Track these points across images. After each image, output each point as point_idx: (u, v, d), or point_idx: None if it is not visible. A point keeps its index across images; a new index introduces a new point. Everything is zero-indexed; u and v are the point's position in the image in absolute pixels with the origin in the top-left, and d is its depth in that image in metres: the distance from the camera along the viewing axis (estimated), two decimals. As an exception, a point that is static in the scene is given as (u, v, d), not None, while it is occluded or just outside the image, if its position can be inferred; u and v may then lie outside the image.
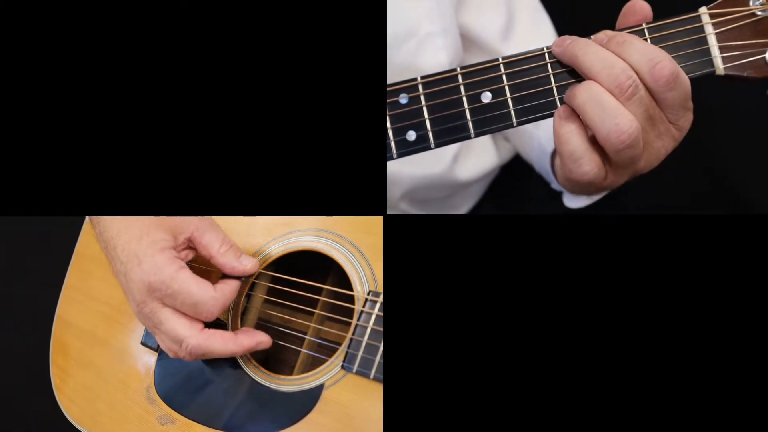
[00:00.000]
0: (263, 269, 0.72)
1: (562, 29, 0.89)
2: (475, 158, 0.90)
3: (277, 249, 0.71)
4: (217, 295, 0.62)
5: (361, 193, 0.65)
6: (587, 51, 0.57)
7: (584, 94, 0.56)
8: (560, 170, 0.61)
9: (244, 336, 0.64)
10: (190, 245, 0.66)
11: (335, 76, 0.65)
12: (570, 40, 0.58)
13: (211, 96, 0.65)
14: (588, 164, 0.57)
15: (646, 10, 0.59)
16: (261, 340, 0.65)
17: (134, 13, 0.65)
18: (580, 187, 0.60)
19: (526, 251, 0.66)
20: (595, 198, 0.78)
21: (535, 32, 0.89)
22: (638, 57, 0.56)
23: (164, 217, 0.65)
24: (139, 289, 0.63)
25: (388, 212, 0.90)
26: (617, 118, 0.54)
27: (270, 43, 0.65)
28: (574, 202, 0.81)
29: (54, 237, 1.00)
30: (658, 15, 0.59)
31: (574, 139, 0.57)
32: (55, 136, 0.64)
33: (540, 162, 0.86)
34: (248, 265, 0.65)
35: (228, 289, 0.64)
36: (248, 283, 0.72)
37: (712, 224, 0.65)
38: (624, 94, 0.55)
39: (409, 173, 0.85)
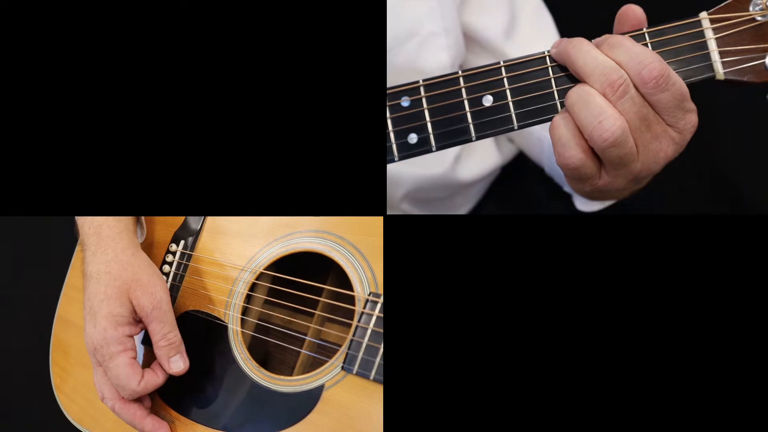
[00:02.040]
0: (264, 270, 0.72)
1: (564, 29, 0.89)
2: (477, 159, 0.90)
3: (277, 250, 0.71)
4: (137, 389, 0.66)
5: (361, 193, 0.65)
6: (580, 51, 0.58)
7: (574, 95, 0.57)
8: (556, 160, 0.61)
9: (154, 421, 0.69)
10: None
11: (336, 75, 0.65)
12: (566, 41, 0.59)
13: (212, 96, 0.65)
14: (573, 149, 0.57)
15: (640, 15, 0.60)
16: None
17: (135, 13, 0.65)
18: (575, 180, 0.60)
19: (527, 251, 0.66)
20: (607, 203, 0.79)
21: (538, 31, 0.89)
22: (627, 59, 0.56)
23: (134, 280, 0.69)
24: (88, 342, 0.68)
25: (390, 212, 0.90)
26: (600, 116, 0.55)
27: (270, 43, 0.65)
28: (585, 206, 0.82)
29: (54, 237, 1.00)
30: (658, 20, 0.60)
31: (563, 125, 0.58)
32: (55, 137, 0.64)
33: (551, 164, 0.87)
34: (173, 368, 0.68)
35: (153, 382, 0.68)
36: (245, 290, 0.72)
37: (712, 224, 0.65)
38: (615, 93, 0.56)
39: (410, 173, 0.85)
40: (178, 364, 0.68)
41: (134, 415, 0.69)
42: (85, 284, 0.71)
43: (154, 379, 0.68)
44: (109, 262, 0.70)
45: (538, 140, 0.89)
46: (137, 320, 0.69)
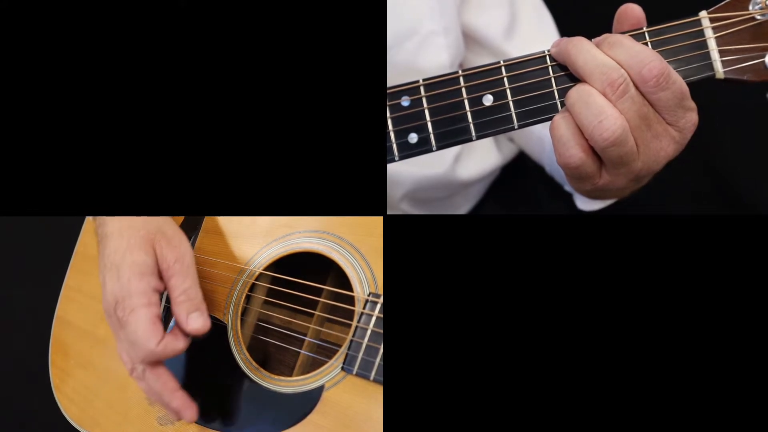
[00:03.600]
0: (264, 270, 0.72)
1: (564, 29, 0.89)
2: (477, 158, 0.90)
3: (277, 250, 0.71)
4: (156, 350, 0.61)
5: (361, 193, 0.65)
6: (581, 50, 0.58)
7: (574, 95, 0.57)
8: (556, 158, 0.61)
9: (184, 398, 0.64)
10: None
11: (336, 75, 0.65)
12: (566, 40, 0.59)
13: (212, 96, 0.65)
14: (574, 148, 0.57)
15: (639, 14, 0.60)
16: (186, 416, 0.64)
17: (135, 13, 0.65)
18: (575, 179, 0.60)
19: (527, 251, 0.66)
20: (608, 202, 0.79)
21: (538, 31, 0.89)
22: (627, 57, 0.56)
23: (159, 232, 0.66)
24: (108, 301, 0.64)
25: (390, 212, 0.90)
26: (601, 116, 0.55)
27: (270, 43, 0.65)
28: (586, 205, 0.82)
29: (54, 237, 1.00)
30: (658, 19, 0.60)
31: (564, 124, 0.58)
32: (55, 137, 0.64)
33: (552, 163, 0.87)
34: (192, 325, 0.63)
35: (172, 346, 0.62)
36: (244, 291, 0.72)
37: (712, 224, 0.65)
38: (615, 93, 0.56)
39: (410, 173, 0.85)
40: (197, 320, 0.63)
41: (164, 385, 0.63)
42: (103, 244, 0.67)
43: (174, 342, 0.62)
44: (131, 219, 0.67)
45: (539, 140, 0.89)
46: (161, 276, 0.65)
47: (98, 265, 0.68)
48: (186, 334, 0.64)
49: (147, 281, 0.63)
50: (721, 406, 0.63)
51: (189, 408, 0.64)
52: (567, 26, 0.87)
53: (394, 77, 0.74)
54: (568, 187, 0.85)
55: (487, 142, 0.92)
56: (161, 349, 0.61)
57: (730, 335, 0.64)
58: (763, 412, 0.63)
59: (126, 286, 0.63)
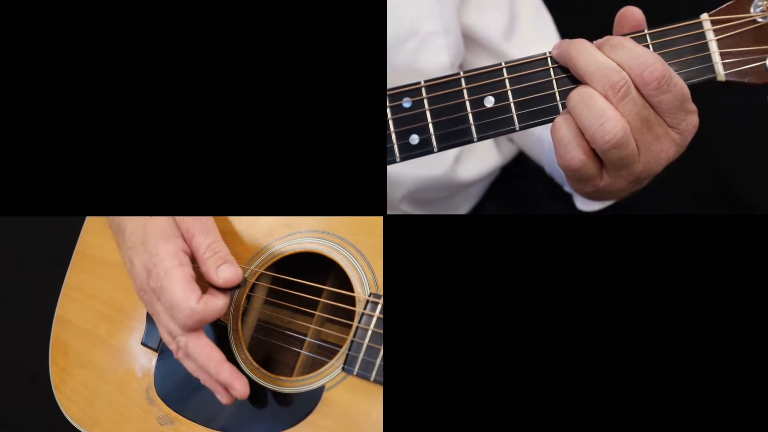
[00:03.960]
0: (264, 270, 0.72)
1: (565, 30, 0.89)
2: (477, 159, 0.90)
3: (278, 250, 0.71)
4: (197, 308, 0.59)
5: (361, 193, 0.65)
6: (582, 52, 0.58)
7: (576, 97, 0.57)
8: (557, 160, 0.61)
9: (233, 370, 0.62)
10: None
11: (336, 75, 0.65)
12: (567, 42, 0.59)
13: (213, 96, 0.65)
14: (575, 150, 0.57)
15: (639, 16, 0.60)
16: (238, 387, 0.62)
17: (136, 14, 0.65)
18: (576, 181, 0.61)
19: (527, 252, 0.67)
20: (608, 203, 0.79)
21: (538, 31, 0.89)
22: (629, 60, 0.56)
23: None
24: (140, 275, 0.63)
25: (390, 213, 0.90)
26: (602, 118, 0.55)
27: (270, 43, 0.65)
28: (586, 205, 0.82)
29: (54, 237, 1.00)
30: (659, 21, 0.60)
31: (565, 126, 0.58)
32: (55, 137, 0.64)
33: (552, 164, 0.87)
34: (222, 276, 0.61)
35: (213, 304, 0.60)
36: (248, 285, 0.72)
37: (712, 224, 0.65)
38: (616, 95, 0.56)
39: (410, 174, 0.85)
40: (226, 270, 0.61)
41: (210, 356, 0.60)
42: (121, 231, 0.67)
43: (213, 300, 0.60)
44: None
45: (539, 140, 0.89)
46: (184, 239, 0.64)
47: (122, 257, 0.67)
48: (223, 292, 0.61)
49: (174, 243, 0.62)
50: (721, 405, 0.63)
51: (239, 380, 0.61)
52: (567, 27, 0.87)
53: (394, 78, 0.74)
54: (567, 188, 0.85)
55: (487, 143, 0.92)
56: (202, 307, 0.59)
57: (730, 335, 0.64)
58: (763, 412, 0.63)
59: (154, 252, 0.61)
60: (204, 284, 0.63)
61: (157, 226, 0.63)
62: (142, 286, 0.63)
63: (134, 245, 0.64)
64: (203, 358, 0.61)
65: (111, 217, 0.71)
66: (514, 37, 0.87)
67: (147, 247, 0.63)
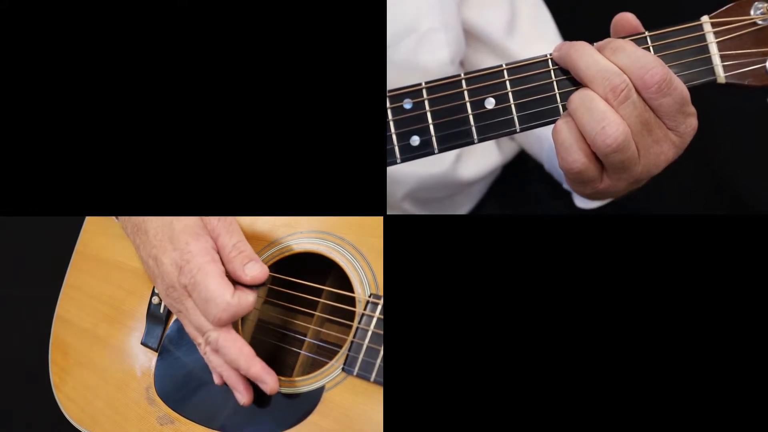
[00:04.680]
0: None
1: (566, 32, 0.89)
2: (478, 158, 0.90)
3: (278, 250, 0.71)
4: (232, 301, 0.60)
5: (361, 193, 0.65)
6: (583, 54, 0.58)
7: (577, 100, 0.57)
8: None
9: (263, 365, 0.62)
10: None
11: (335, 74, 0.65)
12: (568, 44, 0.59)
13: (212, 96, 0.65)
14: (576, 153, 0.57)
15: (634, 22, 0.60)
16: (269, 382, 0.62)
17: (136, 14, 0.65)
18: (576, 183, 0.61)
19: (528, 251, 0.67)
20: (606, 200, 0.79)
21: (538, 28, 0.89)
22: (630, 63, 0.56)
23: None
24: (169, 272, 0.63)
25: (391, 212, 0.90)
26: (603, 122, 0.56)
27: (270, 43, 0.65)
28: (585, 203, 0.82)
29: (54, 237, 0.99)
30: (660, 23, 0.60)
31: (566, 129, 0.58)
32: (55, 137, 0.64)
33: (551, 162, 0.87)
34: (249, 274, 0.63)
35: (245, 299, 0.61)
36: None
37: (712, 225, 0.65)
38: (617, 98, 0.56)
39: (411, 173, 0.85)
40: (253, 268, 0.63)
41: (241, 350, 0.61)
42: (142, 231, 0.67)
43: (245, 295, 0.61)
44: None
45: (537, 138, 0.89)
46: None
47: (141, 257, 0.68)
48: (250, 288, 0.63)
49: (204, 240, 0.63)
50: (721, 405, 0.64)
51: (269, 374, 0.62)
52: (568, 29, 0.88)
53: (394, 75, 0.74)
54: (566, 185, 0.85)
55: (488, 142, 0.93)
56: (236, 301, 0.60)
57: (729, 335, 0.64)
58: (763, 411, 0.63)
59: (185, 249, 0.62)
60: (231, 282, 0.64)
61: (186, 224, 0.64)
62: (171, 283, 0.63)
63: (161, 243, 0.64)
64: (234, 352, 0.62)
65: (125, 218, 0.71)
66: (515, 33, 0.87)
67: (177, 245, 0.63)
